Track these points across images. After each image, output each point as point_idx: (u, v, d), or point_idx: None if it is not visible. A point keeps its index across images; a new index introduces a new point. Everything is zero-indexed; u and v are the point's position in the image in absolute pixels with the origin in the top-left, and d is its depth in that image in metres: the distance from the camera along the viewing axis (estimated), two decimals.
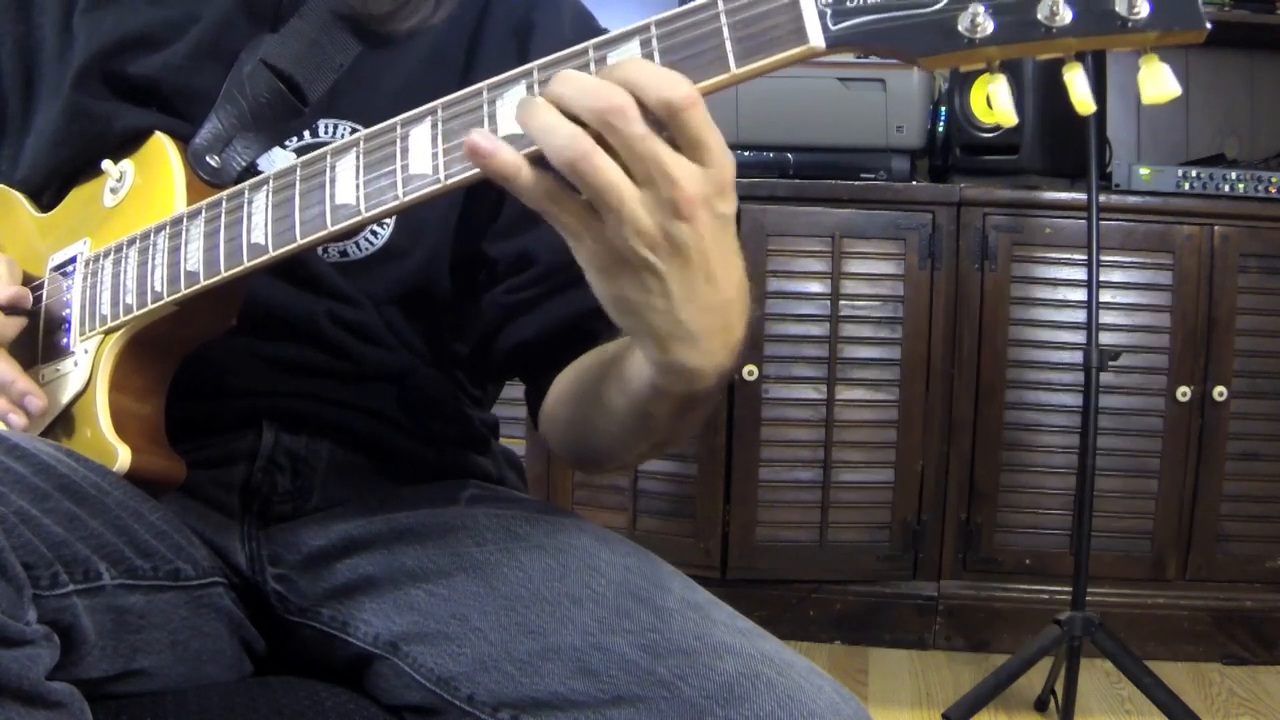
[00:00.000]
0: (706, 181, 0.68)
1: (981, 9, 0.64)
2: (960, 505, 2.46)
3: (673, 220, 0.68)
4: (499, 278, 1.00)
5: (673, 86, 0.66)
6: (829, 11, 0.66)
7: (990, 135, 2.46)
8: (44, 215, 1.01)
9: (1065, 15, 0.63)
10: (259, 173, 0.95)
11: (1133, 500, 2.40)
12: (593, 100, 0.66)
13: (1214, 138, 2.86)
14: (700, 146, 0.67)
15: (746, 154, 2.49)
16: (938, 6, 0.64)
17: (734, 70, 0.68)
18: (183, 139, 0.94)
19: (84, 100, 0.96)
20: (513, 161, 0.69)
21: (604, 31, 1.04)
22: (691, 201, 0.67)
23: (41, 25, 1.00)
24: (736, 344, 0.76)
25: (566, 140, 0.66)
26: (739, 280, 0.74)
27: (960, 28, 0.64)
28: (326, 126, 0.98)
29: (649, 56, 0.69)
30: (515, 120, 0.71)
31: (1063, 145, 2.41)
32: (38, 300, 0.96)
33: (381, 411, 1.01)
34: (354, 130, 0.97)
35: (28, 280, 0.97)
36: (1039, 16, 0.63)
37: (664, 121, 0.66)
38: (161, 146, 0.93)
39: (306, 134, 0.98)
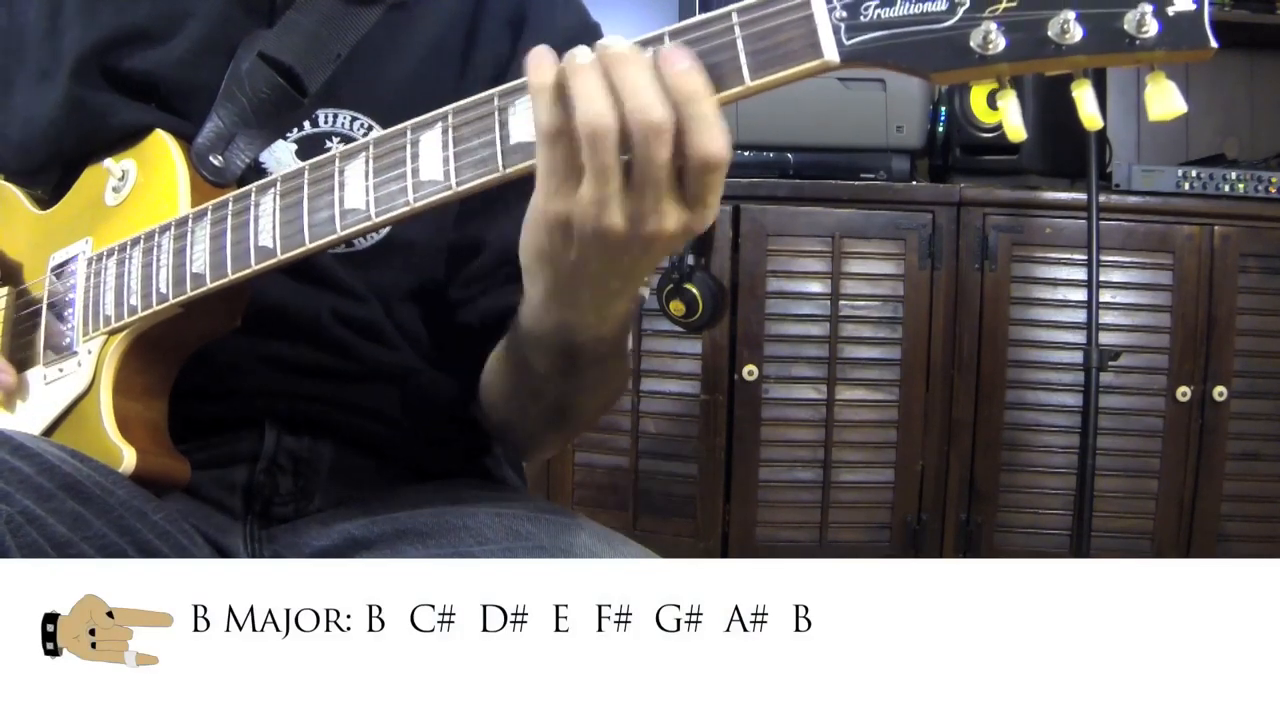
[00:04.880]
0: (683, 228, 0.71)
1: (993, 26, 0.64)
2: (960, 505, 2.45)
3: (635, 235, 0.70)
4: (453, 265, 1.01)
5: (714, 143, 0.68)
6: (843, 26, 0.66)
7: (990, 135, 2.45)
8: (44, 212, 1.00)
9: (1076, 33, 0.63)
10: (262, 169, 0.95)
11: (1133, 500, 2.40)
12: (640, 105, 0.67)
13: (1214, 138, 2.86)
14: (699, 203, 0.70)
15: (746, 154, 2.49)
16: (950, 23, 0.65)
17: (749, 83, 0.68)
18: (181, 135, 0.93)
19: (82, 92, 0.96)
20: (552, 78, 0.69)
21: (596, 25, 1.05)
22: (661, 236, 0.70)
23: (25, 11, 1.00)
24: (615, 324, 0.81)
25: (595, 115, 0.68)
26: (635, 292, 0.79)
27: (972, 44, 0.65)
28: (327, 116, 0.97)
29: None
30: (529, 121, 0.72)
31: (1063, 145, 2.40)
32: (39, 300, 0.96)
33: (384, 412, 1.01)
34: (354, 119, 0.97)
35: (30, 278, 0.97)
36: (1050, 34, 0.64)
37: (688, 167, 0.68)
38: (164, 145, 0.93)
39: (307, 124, 0.97)
